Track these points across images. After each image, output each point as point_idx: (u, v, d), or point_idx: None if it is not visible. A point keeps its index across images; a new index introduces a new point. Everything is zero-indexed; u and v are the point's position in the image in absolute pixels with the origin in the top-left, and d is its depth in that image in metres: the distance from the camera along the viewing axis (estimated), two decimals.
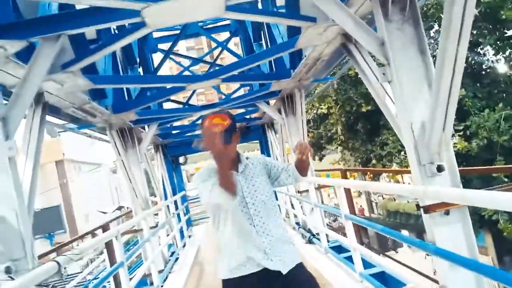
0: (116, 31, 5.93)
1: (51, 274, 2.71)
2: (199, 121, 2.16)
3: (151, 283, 6.64)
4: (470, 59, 14.79)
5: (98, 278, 9.88)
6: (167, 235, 8.27)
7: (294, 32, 4.96)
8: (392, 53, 3.02)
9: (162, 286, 6.02)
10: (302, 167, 2.39)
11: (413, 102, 3.01)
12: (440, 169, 2.98)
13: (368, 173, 17.85)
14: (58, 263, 2.74)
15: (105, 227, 7.36)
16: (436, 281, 3.28)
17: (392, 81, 3.08)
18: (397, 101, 3.11)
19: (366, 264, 5.13)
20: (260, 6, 5.69)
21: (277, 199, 8.54)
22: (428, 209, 3.02)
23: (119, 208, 39.91)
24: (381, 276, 4.93)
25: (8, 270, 2.74)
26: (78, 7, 3.20)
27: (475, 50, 14.54)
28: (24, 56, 3.24)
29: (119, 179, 52.53)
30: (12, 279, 2.68)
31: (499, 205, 2.15)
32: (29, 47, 3.08)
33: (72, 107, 4.70)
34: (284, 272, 2.16)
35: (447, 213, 3.05)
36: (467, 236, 3.08)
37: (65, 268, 2.81)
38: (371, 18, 3.56)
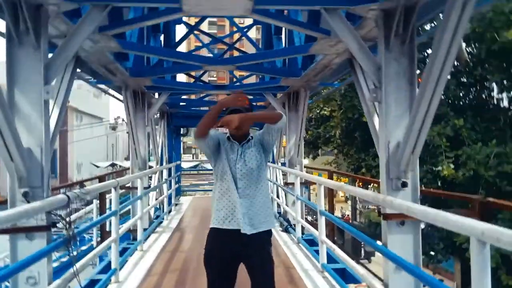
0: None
1: (61, 205, 3.21)
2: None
3: (134, 238, 7.18)
4: (475, 93, 15.17)
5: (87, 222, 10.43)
6: (156, 199, 8.80)
7: (311, 38, 5.40)
8: (385, 78, 3.48)
9: (144, 241, 6.52)
10: (268, 121, 2.73)
11: (394, 124, 3.49)
12: (404, 185, 3.48)
13: (358, 180, 18.34)
14: (68, 197, 3.23)
15: (101, 179, 7.86)
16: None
17: (381, 102, 3.55)
18: (381, 120, 3.59)
19: (331, 260, 5.65)
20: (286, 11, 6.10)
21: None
22: (387, 217, 3.53)
23: (112, 165, 40.53)
24: (342, 272, 5.46)
25: (25, 195, 3.24)
26: None
27: (482, 85, 14.89)
28: (66, 15, 3.71)
29: (117, 136, 53.13)
30: (28, 202, 3.17)
31: (444, 224, 2.61)
32: (75, 10, 3.54)
33: (98, 63, 5.15)
34: (249, 233, 2.62)
35: (402, 223, 3.55)
36: (415, 246, 3.59)
37: (72, 202, 3.30)
38: (376, 42, 4.00)
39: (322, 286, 4.66)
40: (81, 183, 6.40)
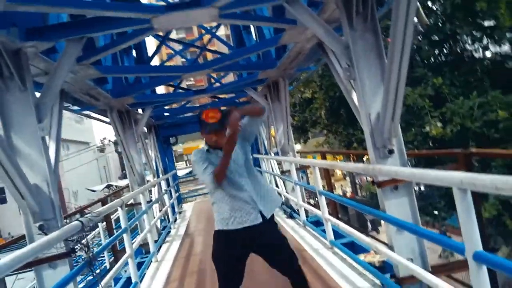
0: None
1: (76, 231, 3.39)
2: (200, 113, 2.78)
3: (146, 252, 7.37)
4: (448, 48, 15.47)
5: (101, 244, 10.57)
6: (160, 211, 8.97)
7: (279, 28, 5.59)
8: (355, 56, 3.69)
9: (157, 252, 6.71)
10: (252, 116, 2.87)
11: (371, 97, 3.70)
12: (390, 151, 3.70)
13: (352, 155, 18.66)
14: (81, 222, 3.41)
15: (103, 202, 8.02)
16: None
17: (355, 79, 3.76)
18: (359, 95, 3.80)
19: (338, 236, 5.89)
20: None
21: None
22: (380, 184, 3.75)
23: (108, 186, 40.47)
24: (351, 245, 5.71)
25: (41, 228, 3.41)
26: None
27: (455, 40, 15.17)
28: (44, 53, 3.86)
29: (107, 158, 52.94)
30: (46, 234, 3.34)
31: (428, 180, 2.83)
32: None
33: (81, 92, 5.30)
34: (267, 217, 2.82)
35: (395, 188, 3.78)
36: (411, 206, 3.82)
37: (86, 227, 3.48)
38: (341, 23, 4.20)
39: (333, 261, 4.89)
40: (83, 209, 6.56)
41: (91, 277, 8.40)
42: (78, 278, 7.71)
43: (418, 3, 3.90)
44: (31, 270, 3.51)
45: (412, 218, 3.83)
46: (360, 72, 3.71)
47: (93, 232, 10.46)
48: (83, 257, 3.45)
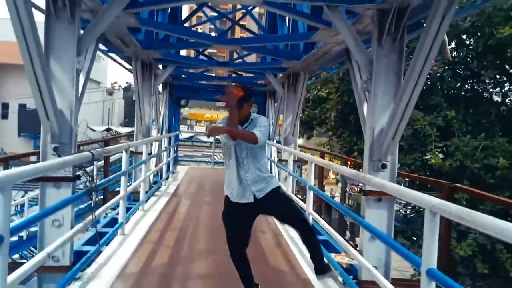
0: None
1: (86, 160, 3.70)
2: (225, 86, 3.13)
3: (135, 200, 7.72)
4: (470, 85, 15.62)
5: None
6: (155, 165, 9.31)
7: (313, 26, 5.83)
8: (376, 71, 3.96)
9: (146, 202, 7.05)
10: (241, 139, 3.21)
11: (380, 112, 3.98)
12: (384, 166, 4.00)
13: (350, 163, 18.92)
14: (92, 154, 3.72)
15: (106, 142, 8.34)
16: None
17: (370, 92, 4.03)
18: (369, 108, 4.08)
19: (316, 231, 6.22)
20: None
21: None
22: (366, 193, 4.07)
23: (108, 129, 40.90)
24: (325, 243, 6.04)
25: (56, 149, 3.72)
26: None
27: (478, 78, 15.29)
28: None
29: (113, 102, 53.25)
30: (59, 156, 3.66)
31: (408, 198, 3.14)
32: None
33: (115, 35, 5.56)
34: (259, 198, 3.22)
35: (379, 200, 4.09)
36: (389, 220, 4.14)
37: (96, 159, 3.79)
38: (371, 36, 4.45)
39: (305, 251, 5.21)
40: (92, 143, 6.89)
41: (82, 206, 8.81)
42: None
43: (446, 39, 4.16)
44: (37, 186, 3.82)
45: (387, 230, 4.15)
46: (376, 87, 3.98)
47: (88, 168, 10.79)
48: (86, 184, 3.75)
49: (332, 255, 5.27)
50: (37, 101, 3.39)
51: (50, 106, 3.40)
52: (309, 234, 3.35)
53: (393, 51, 3.95)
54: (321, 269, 3.35)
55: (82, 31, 3.83)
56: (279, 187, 3.39)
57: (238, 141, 3.21)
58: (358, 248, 4.59)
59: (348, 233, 23.08)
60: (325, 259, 3.35)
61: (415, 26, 4.75)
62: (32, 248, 10.52)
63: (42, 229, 3.86)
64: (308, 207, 5.71)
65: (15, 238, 9.23)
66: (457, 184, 4.07)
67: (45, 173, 3.66)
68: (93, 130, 39.48)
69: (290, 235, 5.97)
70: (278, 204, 3.29)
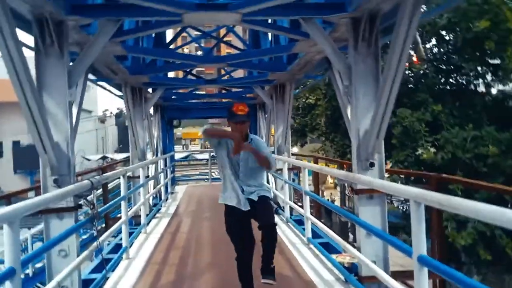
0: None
1: (86, 189, 3.85)
2: (230, 106, 3.43)
3: (137, 224, 7.82)
4: (454, 79, 15.94)
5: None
6: (154, 188, 9.42)
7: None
8: (355, 76, 4.15)
9: (147, 224, 7.16)
10: (258, 161, 3.55)
11: (362, 115, 4.16)
12: (372, 164, 4.17)
13: (346, 166, 19.09)
14: (91, 182, 3.87)
15: (103, 170, 8.47)
16: None
17: (351, 96, 4.22)
18: (352, 111, 4.26)
19: (317, 236, 6.36)
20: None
21: None
22: (358, 192, 4.22)
23: (103, 157, 40.85)
24: (326, 245, 6.17)
25: (56, 181, 3.86)
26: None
27: (461, 72, 15.63)
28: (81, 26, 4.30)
29: (106, 129, 53.32)
30: (59, 187, 3.80)
31: (394, 192, 3.33)
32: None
33: (104, 64, 5.74)
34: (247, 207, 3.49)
35: (371, 197, 4.25)
36: (382, 215, 4.30)
37: (95, 187, 3.93)
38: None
39: (307, 255, 5.36)
40: (90, 172, 7.01)
41: (85, 236, 8.89)
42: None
43: (419, 39, 4.37)
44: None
45: (381, 225, 4.30)
46: (356, 91, 4.17)
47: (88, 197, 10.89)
48: (87, 212, 3.89)
49: (334, 256, 5.42)
50: (33, 136, 3.54)
51: (46, 139, 3.55)
52: (273, 239, 3.51)
53: (369, 55, 4.15)
54: (267, 271, 3.49)
55: (71, 63, 3.99)
56: (269, 197, 3.67)
57: (242, 157, 3.47)
58: (356, 245, 4.72)
59: (350, 235, 23.15)
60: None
61: (389, 29, 4.97)
62: (38, 284, 10.55)
63: (49, 260, 3.96)
64: (305, 211, 5.86)
65: (22, 276, 9.27)
66: (444, 175, 4.25)
67: (47, 205, 3.80)
68: (89, 160, 39.47)
69: (291, 241, 6.10)
70: (262, 207, 3.53)
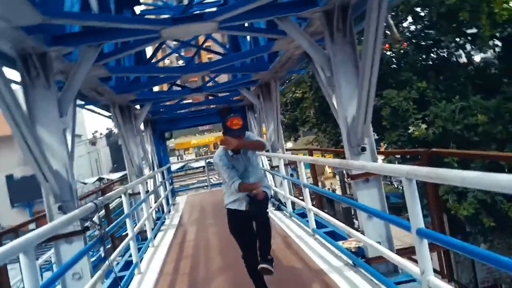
0: None
1: (91, 211, 3.94)
2: (226, 121, 3.54)
3: (143, 239, 7.91)
4: (435, 53, 16.13)
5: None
6: (155, 202, 9.50)
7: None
8: (335, 66, 4.27)
9: (154, 238, 7.26)
10: (252, 148, 3.74)
11: (347, 102, 4.29)
12: (363, 149, 4.29)
13: (340, 154, 19.25)
14: (95, 204, 3.96)
15: (103, 191, 8.55)
16: None
17: (334, 86, 4.35)
18: (337, 100, 4.39)
19: (321, 226, 6.49)
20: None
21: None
22: (354, 177, 4.35)
23: (100, 179, 40.80)
24: (331, 233, 6.30)
25: (60, 208, 3.96)
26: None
27: (441, 45, 15.81)
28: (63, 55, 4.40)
29: (98, 151, 53.20)
30: (64, 213, 3.89)
31: (385, 172, 3.47)
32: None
33: (89, 88, 5.83)
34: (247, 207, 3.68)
35: (367, 180, 4.38)
36: (380, 197, 4.43)
37: (99, 208, 4.02)
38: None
39: (314, 245, 5.48)
40: (89, 195, 7.09)
41: (93, 259, 8.95)
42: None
43: (392, 22, 4.51)
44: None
45: (380, 206, 4.43)
46: (338, 80, 4.29)
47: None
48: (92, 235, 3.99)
49: (340, 242, 5.55)
50: (33, 167, 3.63)
51: (46, 169, 3.64)
52: (267, 227, 3.69)
53: (346, 44, 4.27)
54: (265, 259, 3.61)
55: (59, 92, 4.08)
56: (270, 196, 3.88)
57: (245, 164, 3.71)
58: (359, 230, 4.85)
59: (355, 221, 23.29)
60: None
61: (362, 17, 5.11)
62: None
63: (64, 284, 4.06)
64: (307, 204, 5.98)
65: None
66: (434, 149, 4.38)
67: (56, 232, 3.89)
68: (85, 183, 39.39)
69: (297, 234, 6.22)
70: (259, 202, 3.67)
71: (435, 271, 4.41)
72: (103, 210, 8.94)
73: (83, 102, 7.47)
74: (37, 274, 2.50)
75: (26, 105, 3.88)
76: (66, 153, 3.97)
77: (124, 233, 9.18)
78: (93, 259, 9.21)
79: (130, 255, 6.07)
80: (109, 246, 9.52)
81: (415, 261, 5.03)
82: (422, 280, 2.81)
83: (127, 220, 5.49)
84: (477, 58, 16.48)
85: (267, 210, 3.82)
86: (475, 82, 15.39)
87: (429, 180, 2.48)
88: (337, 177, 35.70)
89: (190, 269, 5.50)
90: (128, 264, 6.24)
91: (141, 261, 6.14)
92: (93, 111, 8.34)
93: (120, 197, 5.56)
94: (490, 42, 14.45)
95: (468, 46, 15.44)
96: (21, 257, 2.41)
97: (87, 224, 4.02)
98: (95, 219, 5.40)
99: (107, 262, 4.10)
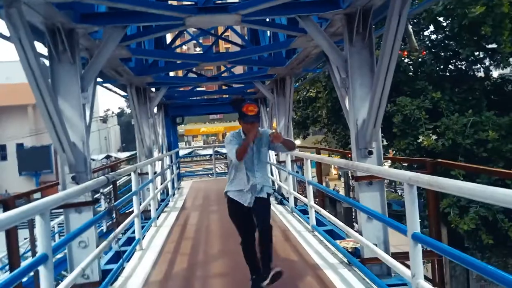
0: None
1: (102, 184, 4.10)
2: (242, 107, 3.53)
3: (147, 218, 8.10)
4: (453, 65, 16.09)
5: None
6: (161, 184, 9.69)
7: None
8: (351, 69, 4.38)
9: (157, 218, 7.44)
10: (286, 146, 3.79)
11: (359, 105, 4.39)
12: (370, 152, 4.41)
13: (349, 156, 19.32)
14: (107, 178, 4.13)
15: (113, 167, 8.75)
16: None
17: (348, 88, 4.45)
18: (350, 102, 4.49)
19: (321, 224, 6.62)
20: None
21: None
22: (358, 179, 4.47)
23: (107, 157, 41.27)
24: (330, 232, 6.43)
25: (74, 178, 4.13)
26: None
27: (459, 58, 15.76)
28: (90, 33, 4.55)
29: (108, 130, 53.68)
30: (77, 183, 4.06)
31: (388, 176, 3.58)
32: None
33: (110, 67, 5.99)
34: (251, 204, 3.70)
35: (370, 183, 4.49)
36: (381, 200, 4.54)
37: (110, 182, 4.19)
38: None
39: (312, 242, 5.62)
40: (101, 169, 7.28)
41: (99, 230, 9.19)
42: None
43: (411, 30, 4.59)
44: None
45: (381, 210, 4.55)
46: (353, 83, 4.40)
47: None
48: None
49: (338, 241, 5.68)
50: (52, 137, 3.80)
51: (64, 140, 3.80)
52: (269, 239, 3.66)
53: (364, 48, 4.37)
54: (266, 272, 3.59)
55: (83, 69, 4.24)
56: (270, 194, 3.87)
57: (255, 155, 3.71)
58: (358, 230, 4.97)
59: (355, 224, 23.36)
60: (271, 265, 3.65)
61: (382, 22, 5.19)
62: (63, 272, 10.87)
63: (70, 251, 4.25)
64: (309, 200, 6.10)
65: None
66: (439, 160, 4.48)
67: (68, 200, 4.07)
68: (93, 160, 39.87)
69: (297, 229, 6.36)
70: (262, 207, 3.72)
71: (427, 279, 4.53)
72: (111, 186, 9.14)
73: (101, 80, 7.63)
74: (49, 234, 2.67)
75: (51, 78, 4.04)
76: (84, 127, 4.13)
77: (127, 211, 9.38)
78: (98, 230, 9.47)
79: (133, 232, 6.26)
80: (113, 221, 9.76)
81: (408, 267, 5.15)
82: (412, 282, 2.94)
83: (134, 198, 5.66)
84: (495, 73, 16.43)
85: (269, 214, 3.82)
86: (491, 97, 15.34)
87: (429, 187, 2.59)
88: (342, 179, 35.80)
89: (191, 250, 5.67)
90: (130, 240, 6.43)
91: (143, 238, 6.34)
92: (109, 89, 8.50)
93: (129, 175, 5.75)
94: (510, 59, 14.39)
95: (487, 61, 15.40)
96: (37, 219, 2.58)
97: (97, 195, 4.18)
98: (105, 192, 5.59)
99: (112, 234, 4.28)
